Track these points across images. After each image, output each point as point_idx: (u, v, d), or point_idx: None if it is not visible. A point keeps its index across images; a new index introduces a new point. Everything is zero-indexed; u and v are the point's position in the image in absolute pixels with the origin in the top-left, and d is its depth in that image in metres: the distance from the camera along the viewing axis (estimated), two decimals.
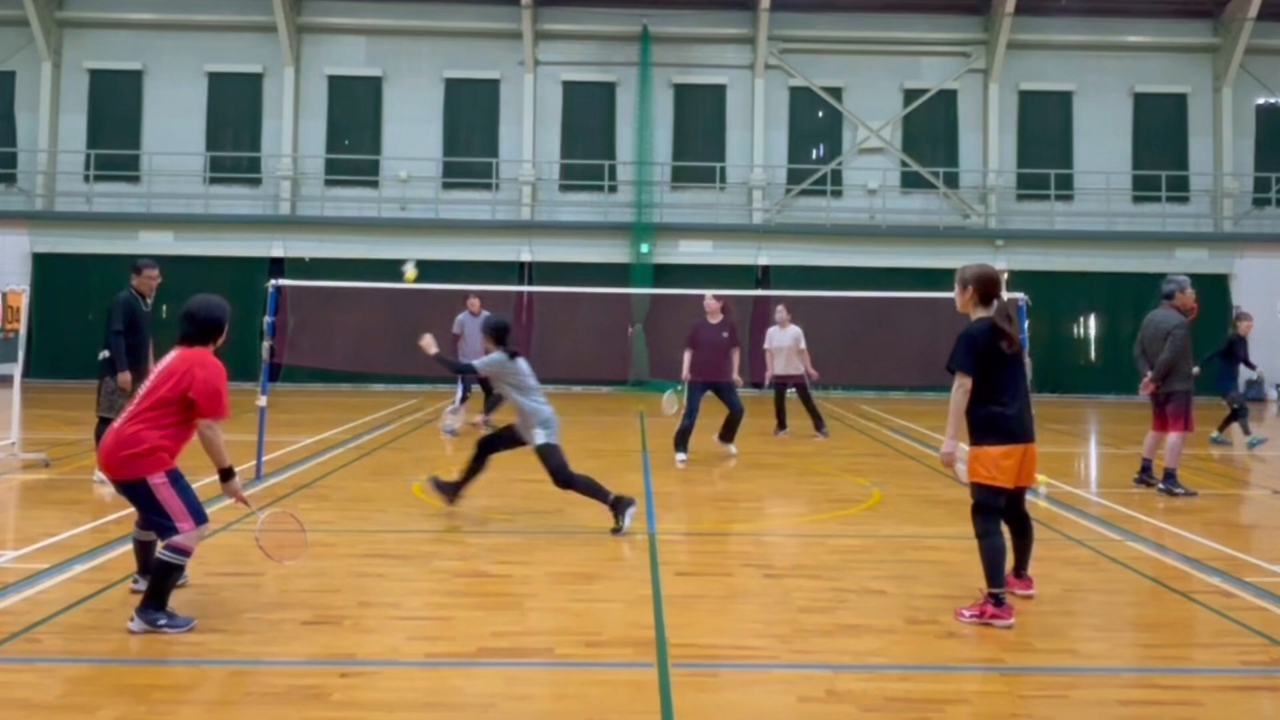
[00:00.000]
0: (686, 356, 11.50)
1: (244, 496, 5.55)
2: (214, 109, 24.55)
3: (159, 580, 5.10)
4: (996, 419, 5.45)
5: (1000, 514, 5.57)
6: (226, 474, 5.37)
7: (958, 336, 5.53)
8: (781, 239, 23.86)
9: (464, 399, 13.97)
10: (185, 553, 5.16)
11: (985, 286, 5.57)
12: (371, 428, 14.56)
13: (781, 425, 14.03)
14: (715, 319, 11.62)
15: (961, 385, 5.45)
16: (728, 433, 11.87)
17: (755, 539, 7.62)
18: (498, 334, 7.86)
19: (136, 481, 5.17)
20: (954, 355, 5.49)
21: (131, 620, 5.04)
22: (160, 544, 5.19)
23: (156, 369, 5.39)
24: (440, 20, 24.61)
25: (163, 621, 5.04)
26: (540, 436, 7.66)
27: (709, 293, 11.78)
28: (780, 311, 14.04)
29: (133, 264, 9.67)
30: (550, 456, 7.67)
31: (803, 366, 13.72)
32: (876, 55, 24.84)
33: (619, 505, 7.55)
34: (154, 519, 5.20)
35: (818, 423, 13.91)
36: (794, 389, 13.96)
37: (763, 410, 14.74)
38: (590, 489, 7.66)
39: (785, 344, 13.79)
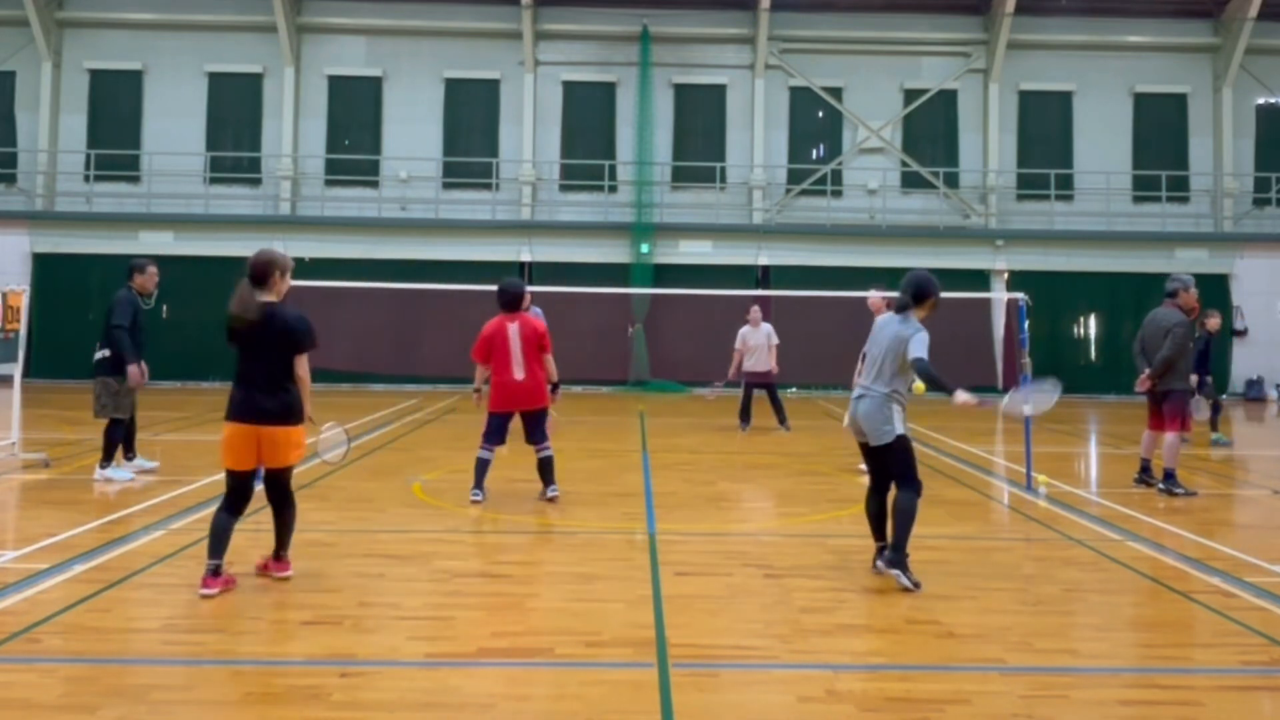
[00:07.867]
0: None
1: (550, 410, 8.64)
2: (214, 109, 24.54)
3: (552, 467, 8.61)
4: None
5: None
6: (555, 386, 8.63)
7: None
8: (781, 239, 23.85)
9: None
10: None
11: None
12: (371, 428, 14.55)
13: (746, 421, 14.50)
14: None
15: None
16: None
17: (755, 539, 7.61)
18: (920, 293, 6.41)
19: (541, 410, 8.44)
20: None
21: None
22: (545, 449, 8.52)
23: (515, 334, 8.27)
24: (440, 20, 24.61)
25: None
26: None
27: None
28: (755, 310, 14.61)
29: (130, 264, 9.63)
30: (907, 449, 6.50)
31: (772, 364, 14.31)
32: (876, 55, 24.83)
33: None
34: (538, 434, 8.47)
35: (781, 418, 14.45)
36: (763, 388, 14.55)
37: (729, 409, 14.74)
38: None
39: (760, 342, 14.31)
